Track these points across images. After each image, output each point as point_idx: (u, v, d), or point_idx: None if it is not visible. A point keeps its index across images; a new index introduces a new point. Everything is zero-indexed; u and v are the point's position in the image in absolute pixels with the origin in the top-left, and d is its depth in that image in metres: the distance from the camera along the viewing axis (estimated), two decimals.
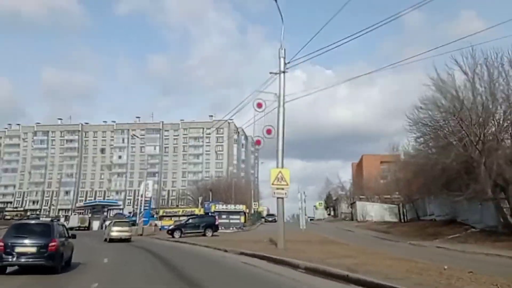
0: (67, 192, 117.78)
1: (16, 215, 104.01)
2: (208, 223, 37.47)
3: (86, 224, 68.46)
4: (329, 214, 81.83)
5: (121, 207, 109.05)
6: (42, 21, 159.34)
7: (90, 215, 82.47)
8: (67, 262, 12.57)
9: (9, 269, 11.41)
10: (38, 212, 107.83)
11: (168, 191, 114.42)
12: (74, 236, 14.10)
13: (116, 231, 29.39)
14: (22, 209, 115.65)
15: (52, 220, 18.87)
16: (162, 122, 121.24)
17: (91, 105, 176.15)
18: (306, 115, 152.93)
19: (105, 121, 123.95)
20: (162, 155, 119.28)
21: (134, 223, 46.15)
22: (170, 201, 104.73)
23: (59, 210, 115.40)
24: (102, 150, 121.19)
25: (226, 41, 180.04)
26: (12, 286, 10.00)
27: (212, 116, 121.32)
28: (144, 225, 47.92)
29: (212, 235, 34.87)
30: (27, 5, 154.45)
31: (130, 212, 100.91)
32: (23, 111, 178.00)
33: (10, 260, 10.94)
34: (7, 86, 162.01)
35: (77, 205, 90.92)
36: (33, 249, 11.07)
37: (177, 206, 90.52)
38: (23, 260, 11.04)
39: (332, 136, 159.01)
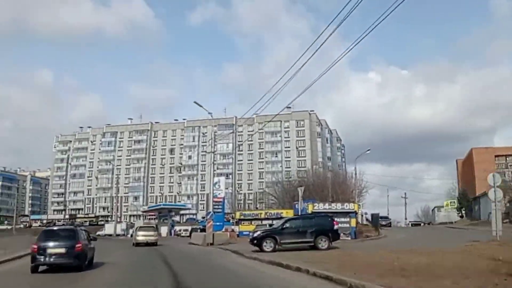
0: (135, 198, 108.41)
1: (83, 222, 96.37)
2: (320, 228, 21.79)
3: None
4: (461, 216, 61.22)
5: (193, 210, 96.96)
6: (124, 37, 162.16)
7: (157, 220, 70.77)
8: (89, 261, 14.14)
9: (40, 268, 12.92)
10: (108, 219, 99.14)
11: (244, 194, 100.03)
12: (95, 239, 17.34)
13: (141, 236, 29.20)
14: (93, 215, 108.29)
15: (75, 226, 19.78)
16: (235, 116, 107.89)
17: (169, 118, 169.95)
18: (381, 117, 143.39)
19: (176, 119, 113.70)
20: (235, 153, 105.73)
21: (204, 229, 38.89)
22: (247, 206, 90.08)
23: (130, 216, 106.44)
24: (171, 151, 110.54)
25: (299, 44, 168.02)
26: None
27: (290, 107, 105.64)
28: (216, 230, 33.66)
29: (329, 248, 20.80)
30: (109, 22, 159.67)
31: (203, 217, 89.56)
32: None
33: (42, 260, 12.66)
34: (97, 102, 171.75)
35: (142, 208, 79.87)
36: (62, 250, 12.76)
37: (256, 208, 75.75)
38: (53, 259, 12.77)
39: (412, 139, 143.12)
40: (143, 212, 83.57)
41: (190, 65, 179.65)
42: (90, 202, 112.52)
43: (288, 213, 40.08)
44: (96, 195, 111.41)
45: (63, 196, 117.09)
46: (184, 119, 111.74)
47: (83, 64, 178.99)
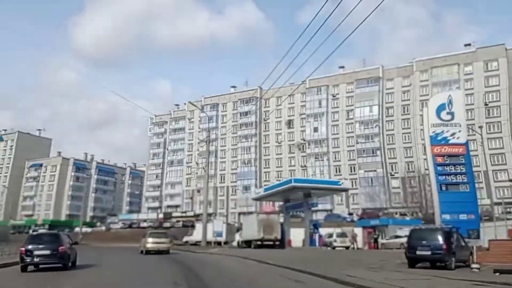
0: (246, 188, 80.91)
1: (174, 224, 71.81)
2: None
3: (276, 235, 33.32)
4: None
5: (326, 204, 66.45)
6: (237, 43, 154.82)
7: (279, 216, 41.21)
8: (73, 262, 15.59)
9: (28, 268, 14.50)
10: (213, 217, 73.02)
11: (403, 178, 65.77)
12: (76, 243, 18.07)
13: (151, 243, 26.10)
14: (192, 213, 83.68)
15: (58, 231, 18.99)
16: (382, 66, 74.26)
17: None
18: None
19: (292, 83, 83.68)
20: (382, 119, 72.08)
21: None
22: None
23: (238, 214, 79.63)
24: (290, 123, 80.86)
25: (419, 32, 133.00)
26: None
27: (469, 44, 68.79)
28: None
29: None
30: (222, 28, 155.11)
31: (350, 214, 58.79)
32: None
33: (29, 260, 14.15)
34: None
35: (256, 192, 50.07)
36: (48, 252, 14.19)
37: None
38: (40, 260, 14.25)
39: None
40: (256, 199, 54.99)
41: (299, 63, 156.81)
42: (188, 195, 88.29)
43: None
44: (196, 185, 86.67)
45: (159, 189, 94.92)
46: (303, 81, 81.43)
47: (199, 71, 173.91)
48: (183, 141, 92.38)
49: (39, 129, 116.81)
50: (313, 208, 40.48)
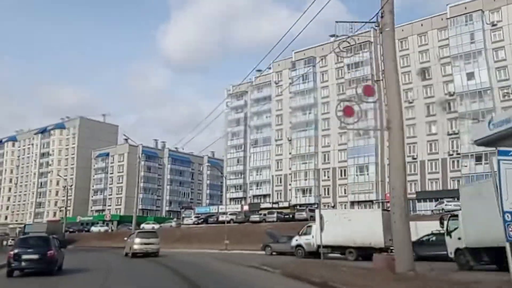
0: (360, 169, 57.94)
1: (266, 215, 51.08)
2: None
3: None
4: None
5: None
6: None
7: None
8: (59, 267, 15.02)
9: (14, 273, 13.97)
10: (313, 207, 51.48)
11: None
12: (64, 246, 19.10)
13: (139, 244, 23.58)
14: (287, 204, 63.12)
15: (48, 235, 19.03)
16: None
17: None
18: None
19: (421, 19, 58.61)
20: None
21: None
22: None
23: (351, 203, 57.18)
24: (423, 72, 55.81)
25: None
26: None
27: None
28: None
29: None
30: (302, 25, 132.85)
31: None
32: None
33: (16, 265, 13.67)
34: None
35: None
36: (36, 256, 13.70)
37: None
38: (27, 264, 13.76)
39: None
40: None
41: None
42: (280, 181, 67.31)
43: None
44: (290, 169, 65.39)
45: (242, 176, 75.28)
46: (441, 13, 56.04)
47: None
48: (269, 113, 71.49)
49: (104, 114, 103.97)
50: None
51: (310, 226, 24.45)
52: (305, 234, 24.14)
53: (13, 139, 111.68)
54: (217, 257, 25.22)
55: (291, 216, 45.43)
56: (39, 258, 13.61)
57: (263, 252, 28.20)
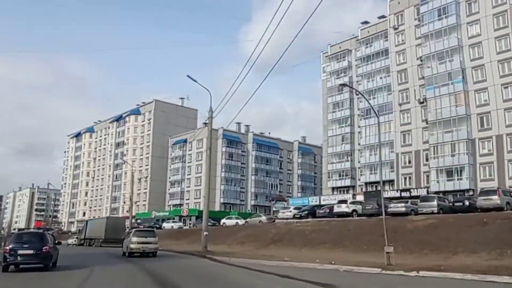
0: None
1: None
2: None
3: None
4: None
5: None
6: None
7: None
8: (54, 263, 15.17)
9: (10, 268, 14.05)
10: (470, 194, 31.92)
11: None
12: (59, 243, 17.84)
13: (136, 243, 22.06)
14: (423, 191, 44.15)
15: (44, 230, 20.64)
16: None
17: None
18: None
19: None
20: None
21: None
22: None
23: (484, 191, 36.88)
24: None
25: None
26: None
27: None
28: None
29: None
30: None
31: None
32: None
33: (12, 259, 13.78)
34: None
35: None
36: (31, 251, 13.80)
37: None
38: (22, 259, 13.90)
39: None
40: None
41: None
42: (409, 161, 48.39)
43: None
44: (425, 143, 46.38)
45: (349, 158, 57.61)
46: None
47: None
48: (386, 72, 52.97)
49: (182, 98, 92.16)
50: None
51: None
52: None
53: (90, 130, 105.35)
54: None
55: (465, 203, 26.97)
56: (34, 253, 13.80)
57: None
